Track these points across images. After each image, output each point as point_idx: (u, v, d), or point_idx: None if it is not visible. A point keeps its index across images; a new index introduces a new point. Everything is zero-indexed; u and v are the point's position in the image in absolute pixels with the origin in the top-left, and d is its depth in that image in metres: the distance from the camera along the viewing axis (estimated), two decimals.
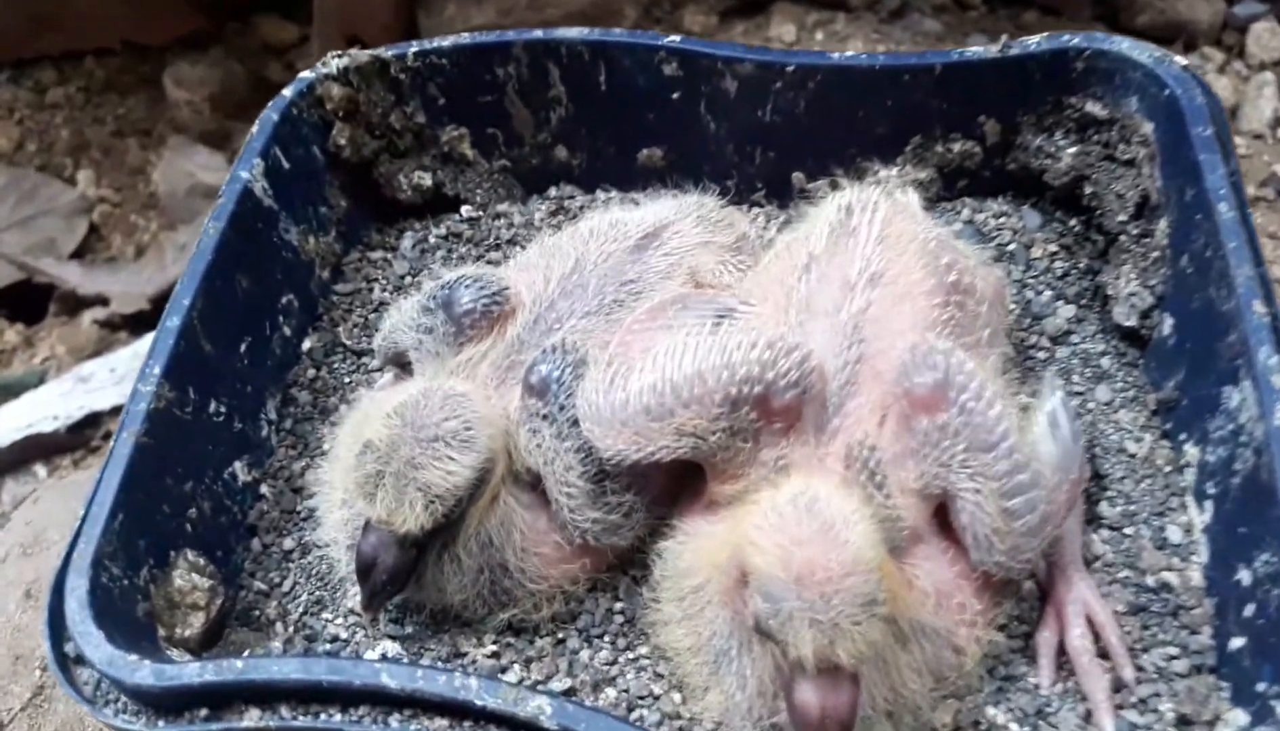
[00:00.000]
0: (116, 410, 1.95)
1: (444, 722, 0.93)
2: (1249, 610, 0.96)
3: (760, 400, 1.00)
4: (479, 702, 0.91)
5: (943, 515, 1.02)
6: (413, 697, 0.93)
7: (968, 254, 1.16)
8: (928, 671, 0.98)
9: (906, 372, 1.00)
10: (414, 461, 0.99)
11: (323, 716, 0.95)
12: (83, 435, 2.02)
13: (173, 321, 1.16)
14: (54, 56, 2.75)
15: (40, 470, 1.99)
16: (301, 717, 0.95)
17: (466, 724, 0.93)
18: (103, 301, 2.34)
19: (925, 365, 0.99)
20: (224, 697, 0.96)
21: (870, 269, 1.09)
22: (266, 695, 0.96)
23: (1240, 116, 2.17)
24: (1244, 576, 0.98)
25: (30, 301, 2.38)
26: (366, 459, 1.01)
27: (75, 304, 2.39)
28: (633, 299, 1.16)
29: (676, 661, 1.05)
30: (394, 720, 0.94)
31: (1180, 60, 1.20)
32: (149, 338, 2.18)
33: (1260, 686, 0.92)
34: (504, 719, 0.91)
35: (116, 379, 2.12)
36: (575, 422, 1.05)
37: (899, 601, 0.94)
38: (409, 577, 1.05)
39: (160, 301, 2.19)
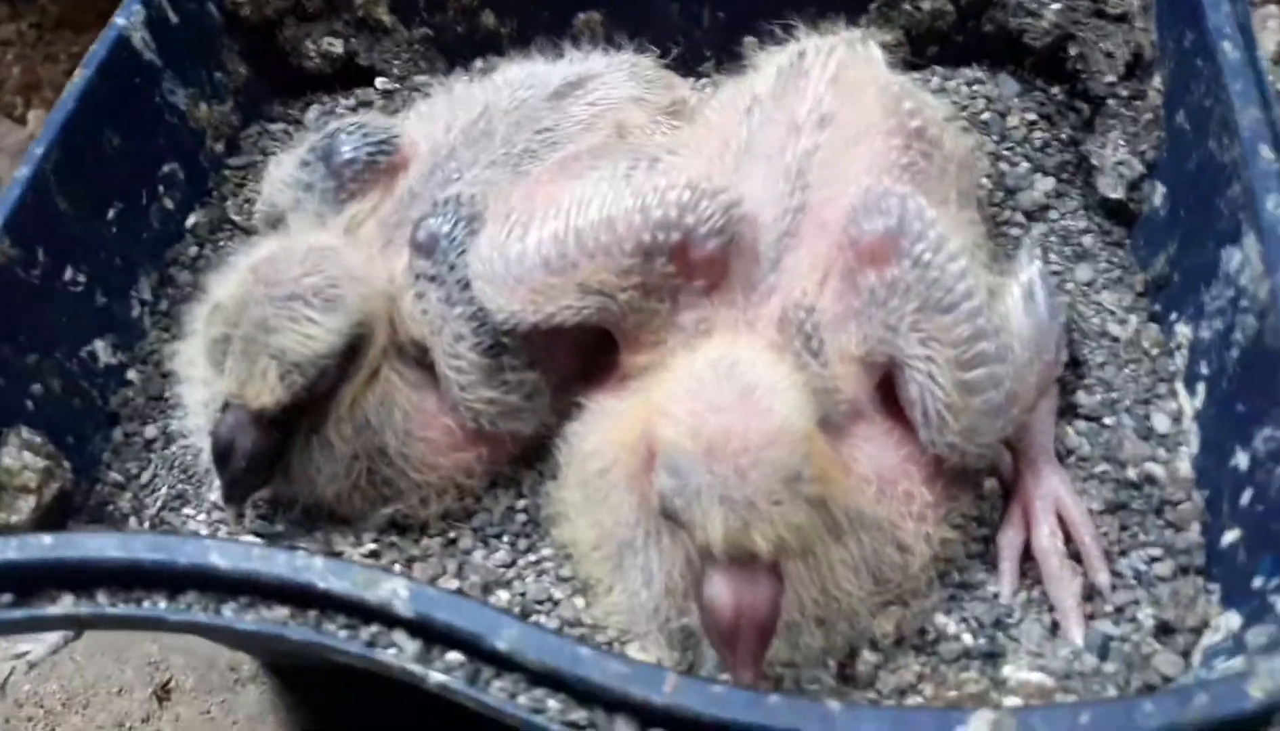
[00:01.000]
0: None
1: (284, 611, 0.78)
2: (1246, 497, 0.82)
3: (678, 249, 0.86)
4: (322, 585, 0.76)
5: (890, 390, 0.87)
6: (247, 580, 0.78)
7: (935, 105, 1.02)
8: (866, 570, 0.83)
9: (854, 218, 0.85)
10: (266, 323, 0.85)
11: (145, 603, 0.80)
12: None
13: (22, 172, 1.02)
14: None
15: None
16: (121, 604, 0.80)
17: (311, 612, 0.78)
18: None
19: (876, 209, 0.85)
20: (32, 580, 0.81)
21: (821, 109, 0.94)
22: (82, 577, 0.81)
23: None
24: (1241, 460, 0.83)
25: None
26: (214, 320, 0.87)
27: None
28: (546, 149, 1.01)
29: (579, 559, 0.91)
30: (227, 608, 0.79)
31: None
32: None
33: (1257, 582, 0.77)
34: (353, 605, 0.76)
35: None
36: (466, 286, 0.91)
37: (833, 486, 0.79)
38: (273, 464, 0.91)
39: None
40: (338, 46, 1.28)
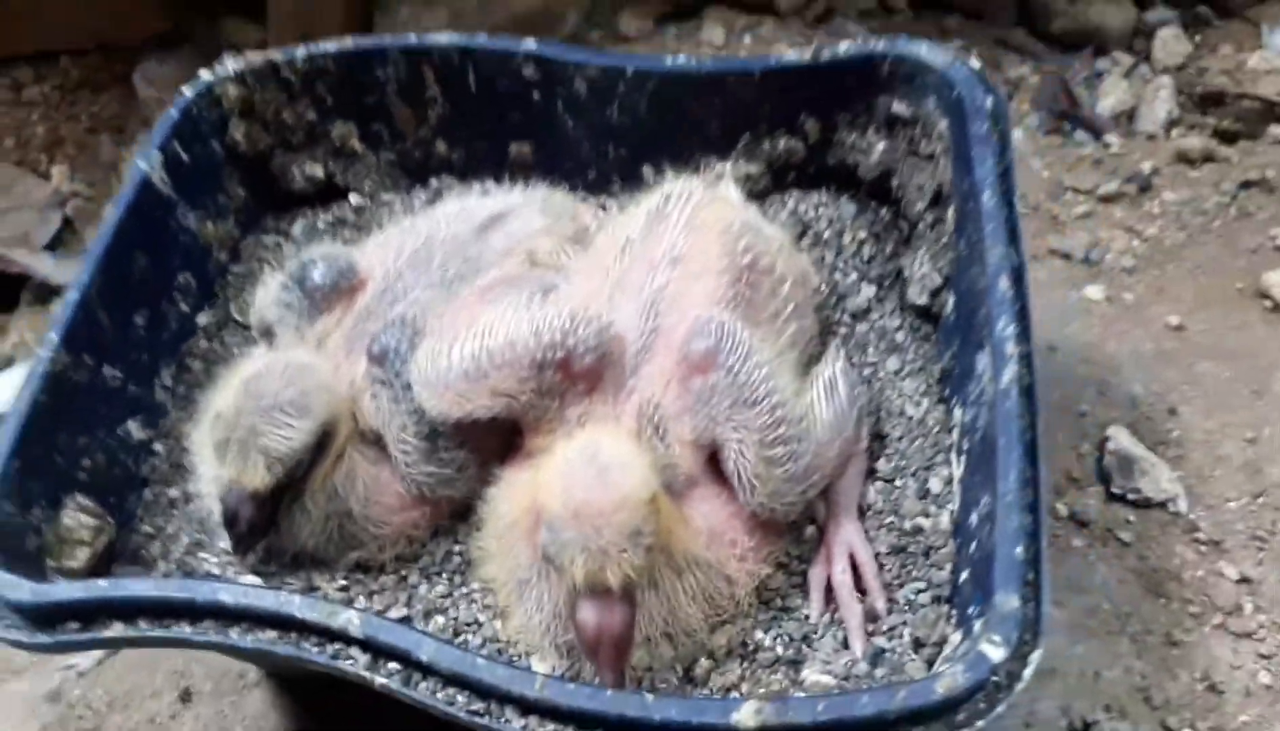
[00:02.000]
0: None
1: (273, 633, 1.09)
2: (973, 547, 1.10)
3: (562, 363, 1.15)
4: (299, 616, 1.06)
5: (716, 464, 1.16)
6: (246, 612, 1.08)
7: (773, 237, 1.31)
8: (702, 598, 1.12)
9: (687, 339, 1.16)
10: (254, 428, 1.14)
11: (174, 628, 1.10)
12: None
13: (72, 295, 1.32)
14: (30, 56, 2.88)
15: None
16: (157, 629, 1.11)
17: (291, 634, 1.08)
18: None
19: (701, 333, 1.15)
20: (91, 612, 1.12)
21: (674, 251, 1.24)
22: (128, 610, 1.12)
23: (1137, 117, 2.29)
24: (973, 518, 1.12)
25: (3, 291, 2.52)
26: (217, 427, 1.16)
27: (47, 293, 2.52)
28: (472, 274, 1.31)
29: (495, 591, 1.20)
30: (233, 631, 1.09)
31: (974, 62, 1.34)
32: None
33: (971, 610, 1.06)
34: (320, 629, 1.07)
35: None
36: (409, 387, 1.20)
37: (675, 536, 1.09)
38: (268, 526, 1.20)
39: None
40: (319, 171, 1.58)
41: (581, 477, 1.03)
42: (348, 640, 1.06)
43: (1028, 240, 1.22)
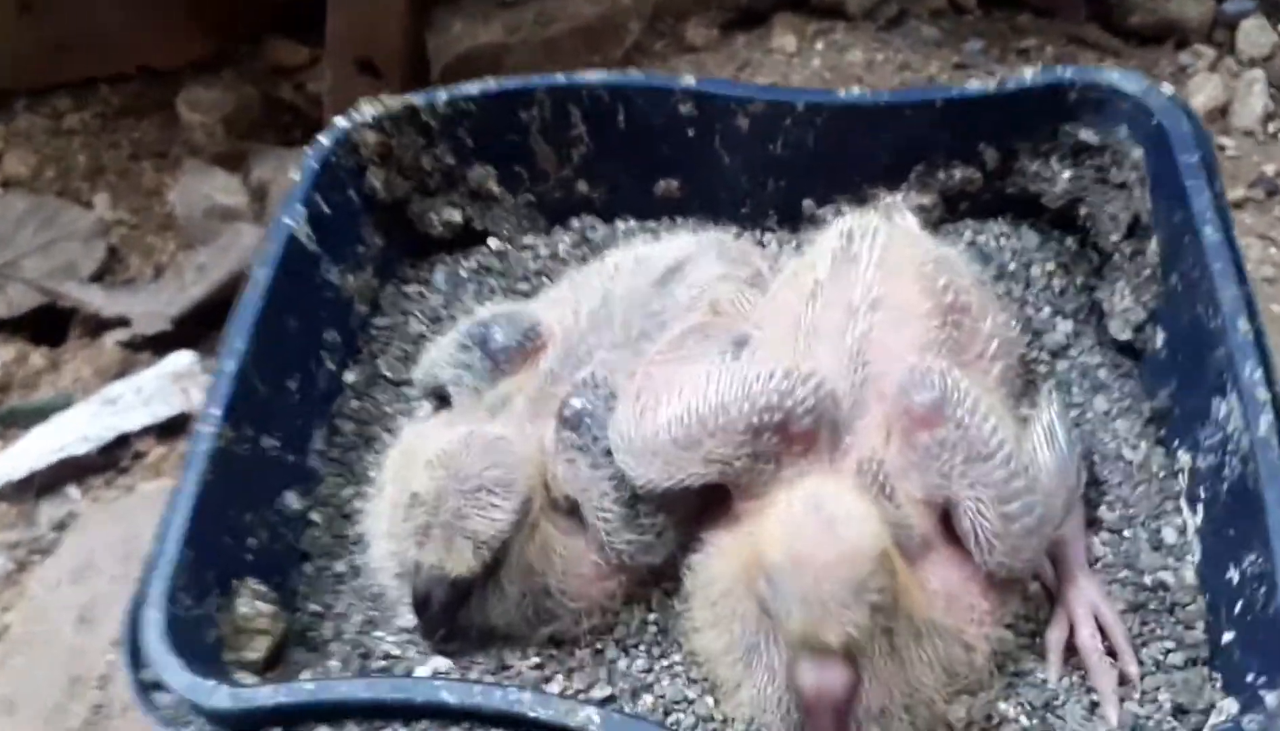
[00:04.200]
0: (145, 431, 2.02)
1: None
2: (1238, 607, 1.04)
3: (780, 426, 1.08)
4: (531, 714, 0.99)
5: (948, 523, 1.09)
6: (469, 711, 1.01)
7: (964, 272, 1.25)
8: (940, 667, 1.05)
9: (906, 391, 1.09)
10: (460, 511, 1.07)
11: None
12: (113, 456, 2.05)
13: (229, 366, 1.24)
14: (70, 84, 2.79)
15: (73, 491, 2.04)
16: None
17: None
18: (124, 323, 2.38)
19: (923, 385, 1.08)
20: (295, 717, 1.04)
21: (871, 294, 1.17)
22: (334, 713, 1.04)
23: (1231, 113, 2.23)
24: (1233, 575, 1.05)
25: (52, 325, 2.42)
26: (415, 511, 1.09)
27: (97, 326, 2.42)
28: (657, 330, 1.23)
29: (709, 666, 1.12)
30: None
31: (1168, 88, 1.28)
32: (173, 358, 2.23)
33: (1249, 677, 0.99)
34: (554, 729, 1.00)
35: (144, 399, 2.17)
36: (608, 452, 1.13)
37: (912, 599, 1.02)
38: (461, 608, 1.13)
39: (181, 322, 2.26)
40: (456, 215, 1.51)
41: (806, 527, 0.97)
42: None
43: None
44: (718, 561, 1.11)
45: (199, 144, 2.74)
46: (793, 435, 1.09)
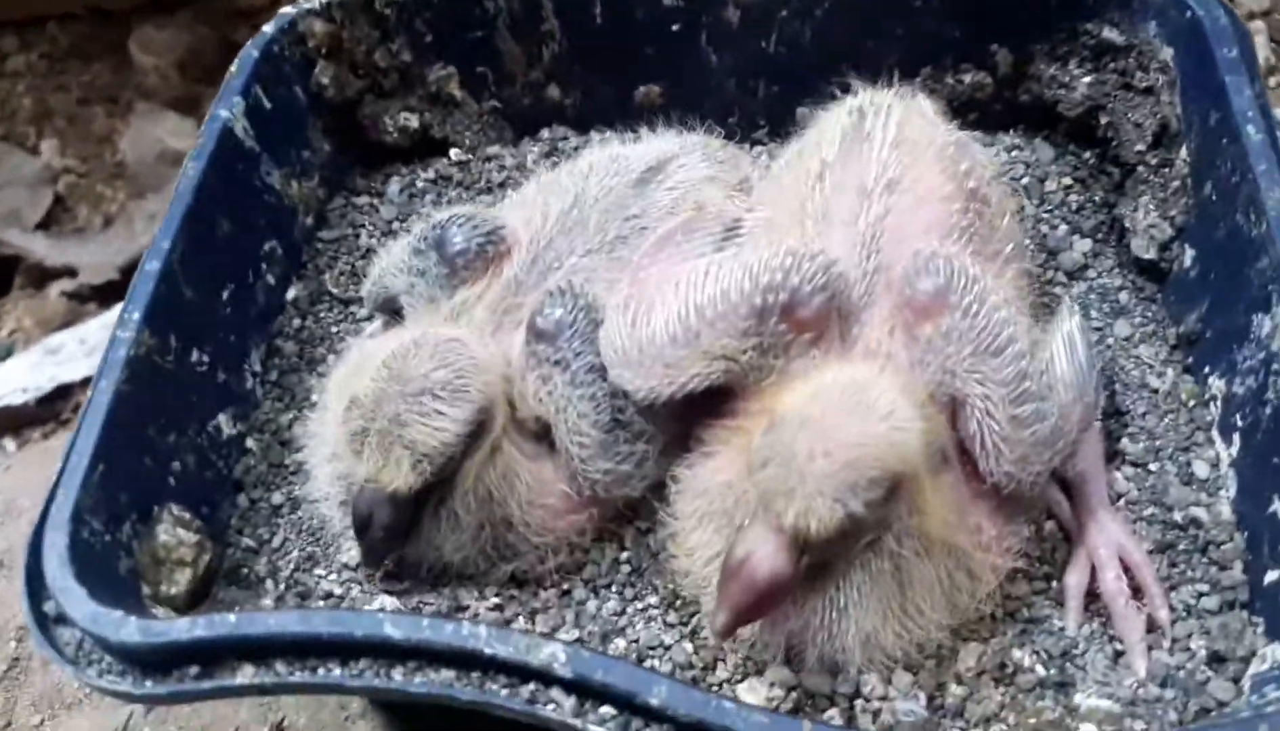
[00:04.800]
0: (86, 382, 1.90)
1: (450, 674, 0.88)
2: None
3: (787, 308, 0.96)
4: (488, 651, 0.86)
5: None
6: (418, 648, 0.88)
7: (987, 162, 1.13)
8: (940, 592, 0.94)
9: (908, 279, 0.97)
10: (399, 417, 0.94)
11: (321, 671, 0.89)
12: (52, 407, 1.97)
13: (152, 265, 1.10)
14: (16, 23, 2.65)
15: (9, 443, 1.94)
16: (299, 673, 0.90)
17: (474, 674, 0.88)
18: (70, 273, 2.28)
19: (926, 271, 0.96)
20: (216, 654, 0.91)
21: (887, 175, 1.05)
22: (261, 650, 0.91)
23: None
24: (1278, 508, 0.94)
25: None
26: (352, 415, 0.97)
27: (42, 276, 2.32)
28: (636, 235, 1.10)
29: (692, 570, 0.99)
30: (397, 672, 0.89)
31: None
32: (119, 308, 2.12)
33: None
34: (514, 667, 0.87)
35: (87, 350, 2.08)
36: (590, 369, 1.01)
37: (928, 518, 0.91)
38: (407, 533, 1.01)
39: (129, 272, 2.13)
40: (413, 121, 1.37)
41: (840, 399, 0.86)
42: (549, 680, 0.86)
43: None
44: (724, 453, 0.98)
45: (152, 87, 2.60)
46: (802, 319, 0.96)
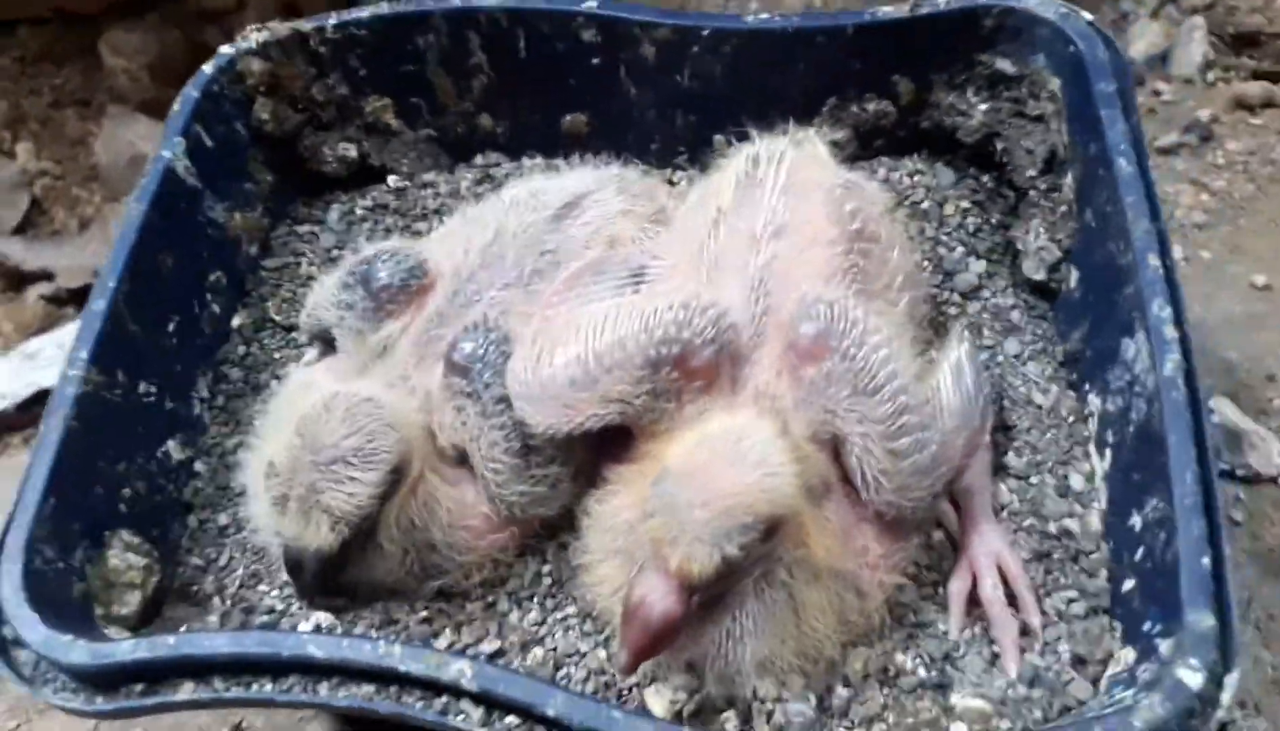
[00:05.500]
0: None
1: (370, 688, 0.97)
2: (1139, 553, 1.00)
3: (679, 360, 1.02)
4: (403, 668, 0.94)
5: (837, 463, 1.04)
6: (339, 666, 0.96)
7: (877, 198, 1.19)
8: (832, 611, 1.01)
9: (792, 324, 1.03)
10: (315, 485, 0.99)
11: (254, 687, 0.98)
12: (31, 412, 1.99)
13: (98, 304, 1.17)
14: None
15: None
16: (234, 689, 0.98)
17: (392, 688, 0.96)
18: (47, 276, 2.31)
19: (809, 316, 1.02)
20: (158, 672, 0.99)
21: (775, 221, 1.11)
22: (200, 668, 0.99)
23: (1170, 61, 2.19)
24: (1136, 521, 1.02)
25: None
26: (271, 482, 1.01)
27: (19, 280, 2.35)
28: (552, 269, 1.16)
29: (602, 599, 1.06)
30: (322, 688, 0.97)
31: (1086, 15, 1.22)
32: None
33: (1146, 626, 0.96)
34: (427, 683, 0.95)
35: (65, 355, 2.11)
36: (500, 400, 1.07)
37: (814, 547, 0.98)
38: (337, 572, 1.06)
39: None
40: (352, 150, 1.44)
41: (719, 449, 0.93)
42: (458, 693, 0.95)
43: None
44: (623, 491, 1.05)
45: (124, 90, 2.63)
46: (693, 369, 1.03)
